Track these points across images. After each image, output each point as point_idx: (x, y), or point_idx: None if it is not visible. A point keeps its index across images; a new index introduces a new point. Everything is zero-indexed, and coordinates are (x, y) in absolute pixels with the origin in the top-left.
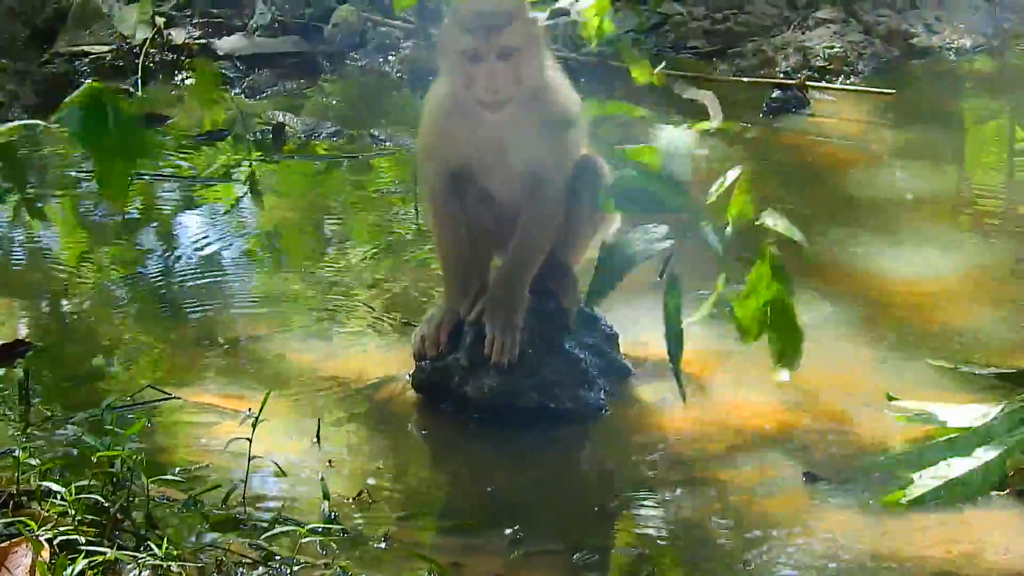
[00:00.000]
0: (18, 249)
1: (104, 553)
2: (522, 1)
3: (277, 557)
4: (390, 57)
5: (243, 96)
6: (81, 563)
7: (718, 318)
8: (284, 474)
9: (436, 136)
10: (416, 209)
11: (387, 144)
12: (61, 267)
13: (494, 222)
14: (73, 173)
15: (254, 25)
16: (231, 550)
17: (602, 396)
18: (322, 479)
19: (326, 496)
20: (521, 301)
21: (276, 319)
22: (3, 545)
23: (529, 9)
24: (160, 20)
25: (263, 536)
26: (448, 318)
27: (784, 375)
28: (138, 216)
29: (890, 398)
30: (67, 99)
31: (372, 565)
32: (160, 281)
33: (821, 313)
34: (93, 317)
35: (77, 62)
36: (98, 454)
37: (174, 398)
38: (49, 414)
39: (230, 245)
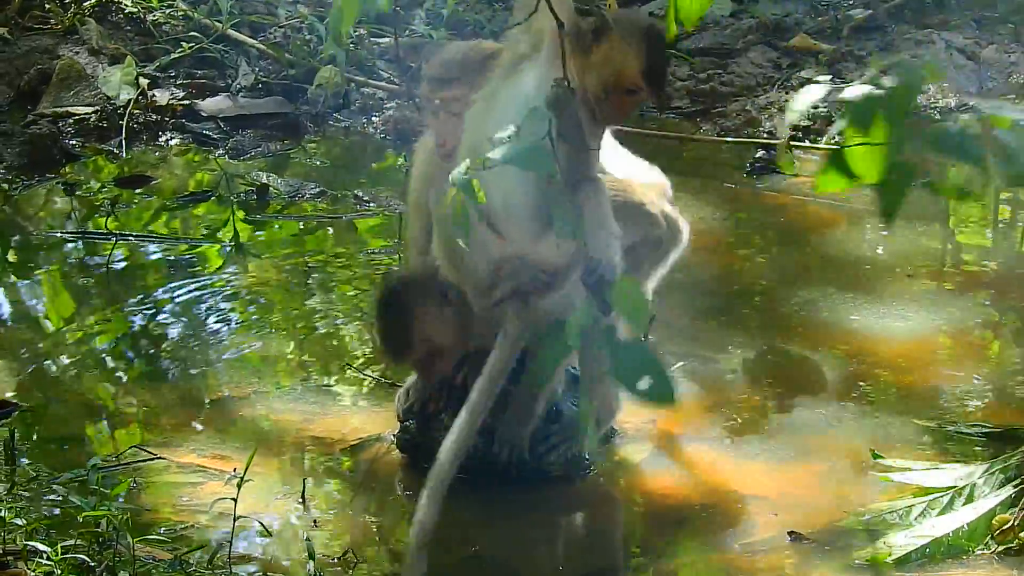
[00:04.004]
0: (2, 309)
1: None
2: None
3: None
4: (373, 118)
5: (226, 157)
6: None
7: (702, 378)
8: (270, 533)
9: (418, 190)
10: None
11: (371, 205)
12: (46, 327)
13: None
14: (58, 233)
15: (237, 86)
16: None
17: (588, 457)
18: (307, 539)
19: (312, 556)
20: (534, 418)
21: (260, 379)
22: None
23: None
24: (144, 81)
25: None
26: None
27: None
28: (122, 276)
29: (875, 456)
30: None
31: None
32: (145, 341)
33: (804, 371)
34: (78, 377)
35: (61, 123)
36: (84, 514)
37: (159, 458)
38: (35, 474)
39: (214, 305)
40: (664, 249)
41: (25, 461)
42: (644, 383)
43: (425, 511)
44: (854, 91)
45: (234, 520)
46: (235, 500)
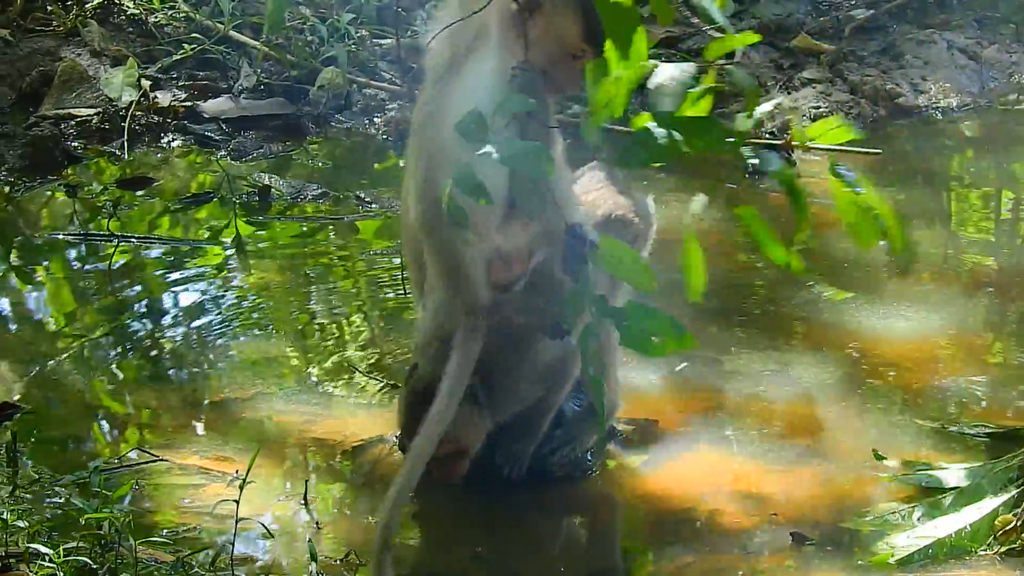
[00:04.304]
0: (5, 311)
1: None
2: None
3: None
4: (375, 119)
5: (229, 158)
6: None
7: (704, 379)
8: (272, 535)
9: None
10: (403, 270)
11: (373, 206)
12: (48, 329)
13: None
14: (60, 235)
15: (239, 88)
16: None
17: (589, 458)
18: (310, 541)
19: (314, 558)
20: (538, 436)
21: (262, 381)
22: None
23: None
24: (146, 83)
25: None
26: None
27: None
28: (124, 278)
29: (878, 457)
30: None
31: None
32: (147, 343)
33: (806, 372)
34: (80, 380)
35: (63, 125)
36: (86, 516)
37: (161, 460)
38: (37, 476)
39: (216, 307)
40: (644, 236)
41: (27, 463)
42: (658, 339)
43: (389, 512)
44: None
45: (236, 522)
46: (237, 502)
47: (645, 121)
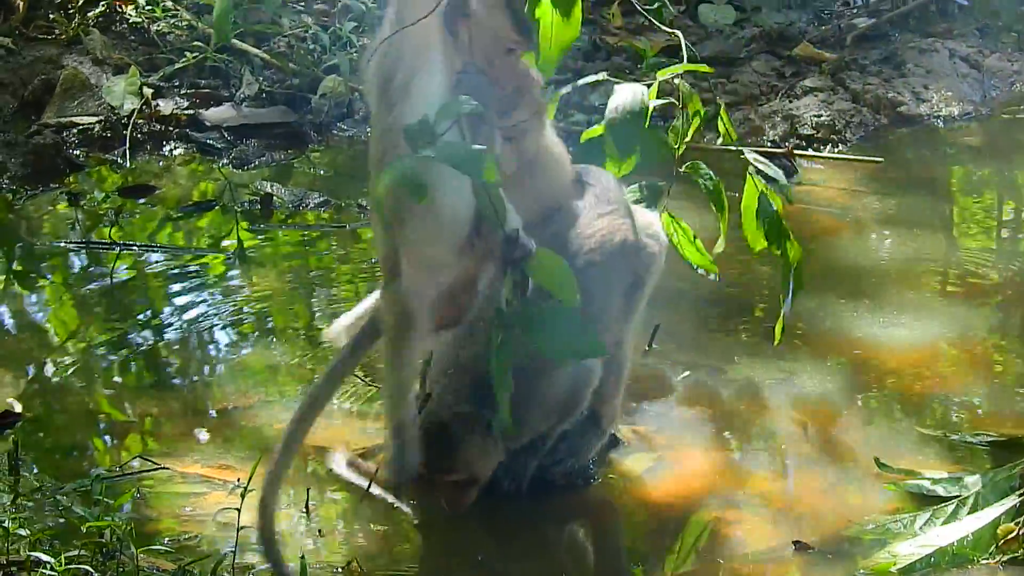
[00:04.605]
0: (6, 319)
1: None
2: (532, 76)
3: None
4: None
5: (230, 167)
6: None
7: (707, 388)
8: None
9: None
10: None
11: None
12: (50, 337)
13: None
14: (62, 243)
15: (241, 96)
16: None
17: (591, 466)
18: (303, 557)
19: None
20: (539, 457)
21: (264, 388)
22: None
23: (537, 83)
24: (148, 91)
25: None
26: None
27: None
28: (126, 286)
29: (880, 465)
30: None
31: None
32: (148, 351)
33: (808, 380)
34: (82, 387)
35: (65, 133)
36: (88, 524)
37: (163, 468)
38: (38, 484)
39: (218, 314)
40: (657, 258)
41: (29, 471)
42: (571, 343)
43: (267, 488)
44: (627, 90)
45: (237, 530)
46: (239, 510)
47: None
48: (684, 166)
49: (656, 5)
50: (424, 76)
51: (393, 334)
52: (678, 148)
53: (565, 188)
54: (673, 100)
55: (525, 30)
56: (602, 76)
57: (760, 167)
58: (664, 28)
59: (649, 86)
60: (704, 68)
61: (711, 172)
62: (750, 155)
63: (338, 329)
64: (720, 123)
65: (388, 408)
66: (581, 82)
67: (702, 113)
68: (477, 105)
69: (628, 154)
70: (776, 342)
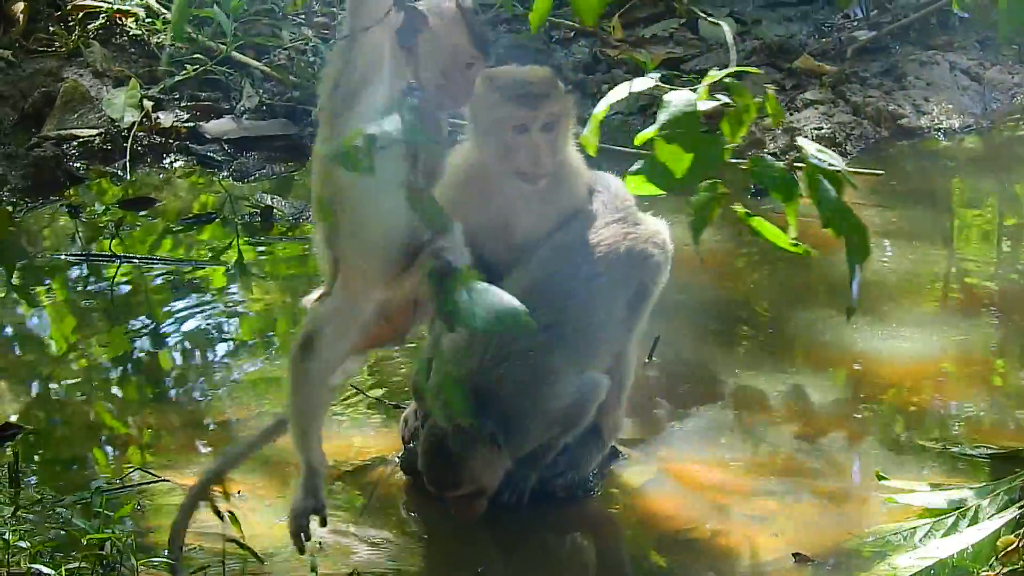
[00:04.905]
0: (7, 332)
1: None
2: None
3: None
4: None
5: (231, 179)
6: None
7: (708, 399)
8: (261, 561)
9: (452, 204)
10: None
11: None
12: (50, 349)
13: None
14: (63, 256)
15: (241, 108)
16: None
17: (591, 478)
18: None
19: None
20: (540, 469)
21: (264, 401)
22: None
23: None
24: (148, 103)
25: None
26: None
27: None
28: (126, 298)
29: (880, 477)
30: None
31: None
32: (148, 363)
33: (808, 392)
34: (82, 399)
35: (65, 145)
36: (88, 536)
37: (163, 480)
38: (39, 497)
39: (218, 327)
40: (663, 266)
41: (29, 483)
42: (497, 316)
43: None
44: (678, 96)
45: (237, 542)
46: (238, 521)
47: (648, 138)
48: (748, 161)
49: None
50: (369, 88)
51: (298, 352)
52: (732, 141)
53: (581, 197)
54: (724, 99)
55: (484, 46)
56: (650, 82)
57: (816, 153)
58: (711, 20)
59: (696, 91)
60: (753, 70)
61: (774, 162)
62: (803, 141)
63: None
64: (767, 105)
65: (297, 439)
66: (632, 89)
67: (752, 107)
68: (418, 127)
69: (682, 160)
70: (848, 318)
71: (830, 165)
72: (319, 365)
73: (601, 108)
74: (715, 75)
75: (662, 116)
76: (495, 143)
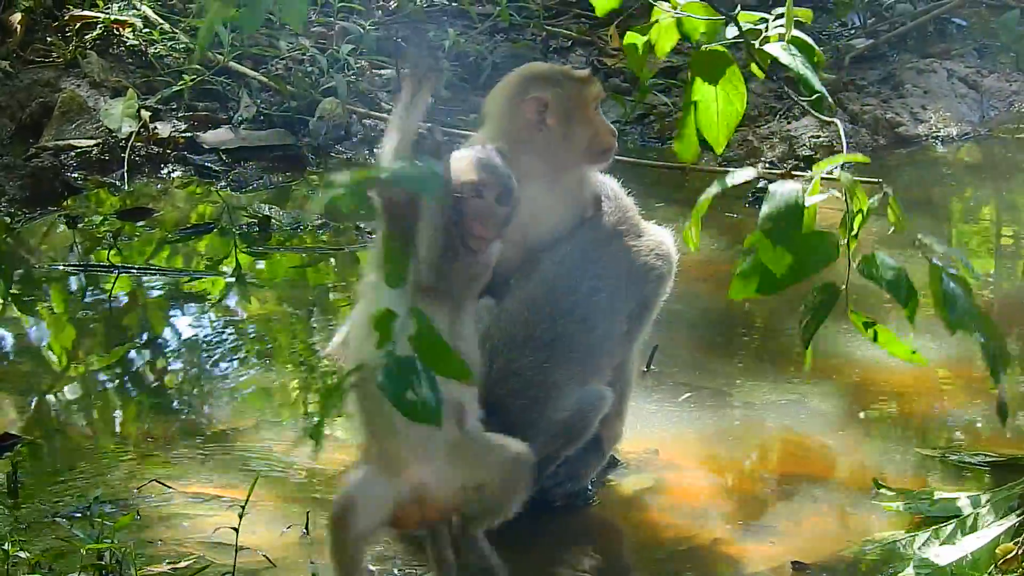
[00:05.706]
0: (5, 342)
1: None
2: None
3: None
4: (375, 149)
5: (228, 189)
6: None
7: (707, 409)
8: (273, 564)
9: None
10: None
11: (373, 236)
12: (48, 359)
13: None
14: (60, 266)
15: (239, 118)
16: None
17: (590, 487)
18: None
19: None
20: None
21: (264, 410)
22: None
23: None
24: (145, 114)
25: None
26: None
27: None
28: (125, 309)
29: (879, 485)
30: None
31: None
32: (147, 373)
33: (807, 401)
34: (81, 409)
35: (63, 156)
36: (87, 547)
37: (163, 488)
38: (38, 506)
39: (217, 337)
40: (667, 278)
41: (28, 493)
42: (411, 397)
43: None
44: (782, 187)
45: (236, 551)
46: (236, 530)
47: (755, 240)
48: (858, 261)
49: (815, 96)
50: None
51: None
52: (849, 245)
53: (587, 202)
54: (835, 194)
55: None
56: (752, 173)
57: (938, 250)
58: (822, 117)
59: (807, 182)
60: (862, 159)
61: (890, 261)
62: (927, 238)
63: (336, 344)
64: (889, 211)
65: None
66: (732, 181)
67: (866, 208)
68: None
69: (784, 259)
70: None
71: (955, 262)
72: (354, 533)
73: (702, 201)
74: (825, 162)
75: (765, 208)
76: (579, 132)
